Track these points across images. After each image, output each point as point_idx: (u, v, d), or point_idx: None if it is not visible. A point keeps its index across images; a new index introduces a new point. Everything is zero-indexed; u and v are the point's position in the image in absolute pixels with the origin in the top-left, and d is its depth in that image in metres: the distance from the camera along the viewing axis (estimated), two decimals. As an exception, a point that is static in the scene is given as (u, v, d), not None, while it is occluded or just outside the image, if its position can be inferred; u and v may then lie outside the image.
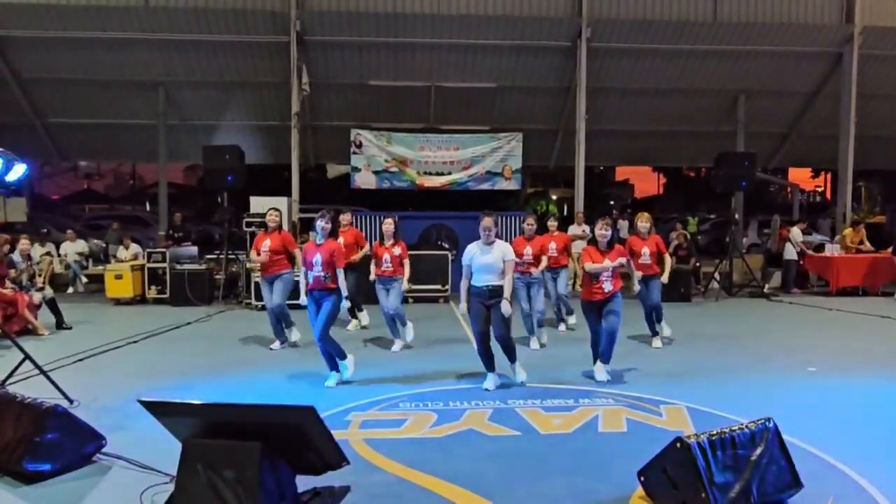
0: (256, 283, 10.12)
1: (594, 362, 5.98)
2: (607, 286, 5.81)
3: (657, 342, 7.60)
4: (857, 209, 19.97)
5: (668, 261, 7.81)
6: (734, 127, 16.57)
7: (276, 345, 7.51)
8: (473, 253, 5.64)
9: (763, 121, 16.68)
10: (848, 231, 13.21)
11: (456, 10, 14.05)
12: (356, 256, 8.14)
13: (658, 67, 15.24)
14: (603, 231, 5.89)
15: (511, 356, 5.76)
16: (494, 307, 5.50)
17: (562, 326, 8.66)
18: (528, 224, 7.80)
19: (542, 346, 7.56)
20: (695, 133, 17.28)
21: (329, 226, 5.99)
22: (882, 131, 16.54)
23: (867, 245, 12.93)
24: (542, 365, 6.49)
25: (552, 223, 8.43)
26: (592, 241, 6.11)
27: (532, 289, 7.57)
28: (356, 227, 10.34)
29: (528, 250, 7.47)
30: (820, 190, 38.27)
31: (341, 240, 7.77)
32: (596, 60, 14.54)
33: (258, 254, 7.40)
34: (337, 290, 5.82)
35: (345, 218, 8.44)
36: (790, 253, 12.90)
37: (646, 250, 7.46)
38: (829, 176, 32.42)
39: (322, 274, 5.76)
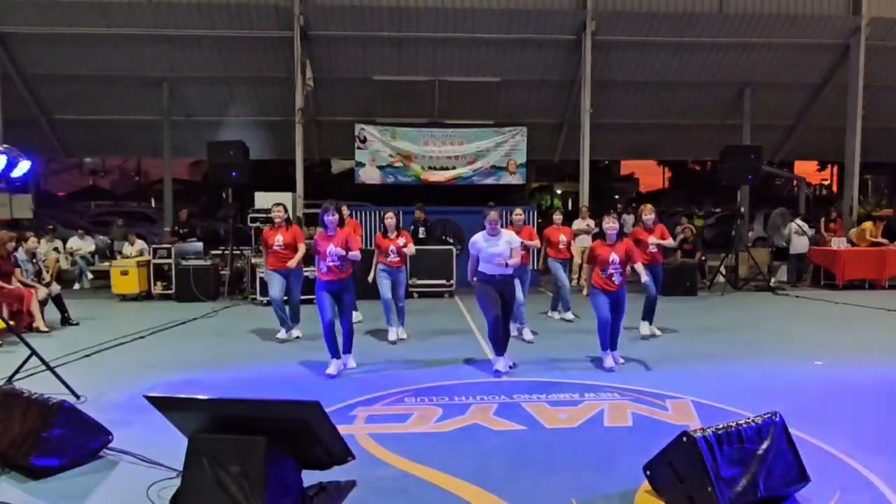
0: (261, 279, 10.13)
1: (603, 349, 6.19)
2: (617, 278, 6.11)
3: (646, 329, 7.75)
4: (863, 202, 19.81)
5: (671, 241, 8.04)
6: (740, 120, 16.46)
7: (283, 333, 7.73)
8: (481, 244, 6.00)
9: (769, 113, 16.55)
10: (868, 224, 13.10)
11: (460, 4, 13.97)
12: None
13: (663, 60, 15.16)
14: (611, 224, 6.18)
15: (505, 345, 6.06)
16: (504, 296, 5.94)
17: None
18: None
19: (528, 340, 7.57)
20: (700, 126, 17.18)
21: (336, 217, 6.13)
22: (889, 123, 16.42)
23: (881, 239, 12.77)
24: (543, 359, 6.49)
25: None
26: (599, 235, 6.39)
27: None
28: (359, 222, 10.54)
29: None
30: (826, 183, 38.07)
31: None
32: (600, 54, 14.47)
33: (268, 248, 7.58)
34: (351, 279, 6.12)
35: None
36: (796, 247, 12.84)
37: (652, 239, 7.64)
38: (835, 169, 32.23)
39: (338, 263, 5.97)
